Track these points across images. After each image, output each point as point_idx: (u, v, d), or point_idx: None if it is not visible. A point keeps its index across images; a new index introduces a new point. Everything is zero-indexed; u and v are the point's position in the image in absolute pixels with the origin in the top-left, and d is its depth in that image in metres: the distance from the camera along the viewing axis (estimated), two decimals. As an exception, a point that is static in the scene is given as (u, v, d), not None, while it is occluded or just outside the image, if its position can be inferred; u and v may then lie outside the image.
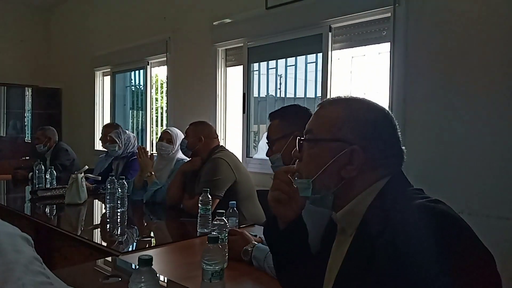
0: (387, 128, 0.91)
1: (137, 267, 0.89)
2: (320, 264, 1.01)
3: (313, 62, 3.12)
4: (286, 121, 1.57)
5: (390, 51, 2.46)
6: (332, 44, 2.79)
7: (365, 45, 2.76)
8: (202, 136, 2.51)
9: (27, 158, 4.99)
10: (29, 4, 5.73)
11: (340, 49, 2.81)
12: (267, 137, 1.64)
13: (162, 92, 4.59)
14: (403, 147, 0.94)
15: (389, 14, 2.45)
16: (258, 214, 2.35)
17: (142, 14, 4.37)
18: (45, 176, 3.21)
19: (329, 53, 2.78)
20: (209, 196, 1.91)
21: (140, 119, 4.67)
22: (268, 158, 1.65)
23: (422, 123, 2.31)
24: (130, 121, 4.93)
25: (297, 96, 3.28)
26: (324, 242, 1.06)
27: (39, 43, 5.94)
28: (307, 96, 3.21)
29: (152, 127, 4.50)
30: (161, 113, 4.45)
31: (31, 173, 3.66)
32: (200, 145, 2.50)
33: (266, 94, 3.39)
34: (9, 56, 5.64)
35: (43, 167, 3.28)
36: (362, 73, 2.98)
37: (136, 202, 2.76)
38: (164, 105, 4.26)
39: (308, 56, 3.15)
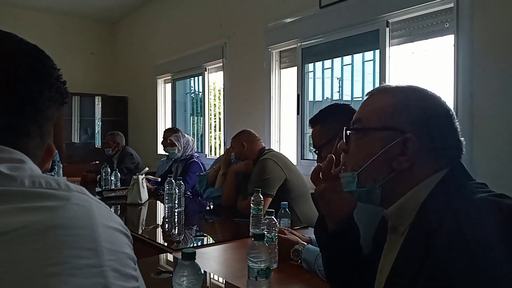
0: (443, 117, 0.82)
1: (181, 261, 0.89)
2: (372, 267, 0.94)
3: (371, 60, 3.00)
4: (327, 124, 1.49)
5: (454, 44, 2.29)
6: (390, 40, 2.67)
7: (426, 39, 2.60)
8: (243, 142, 2.58)
9: (97, 162, 5.33)
10: (97, 19, 6.16)
11: (398, 44, 2.68)
12: (313, 145, 1.58)
13: (219, 98, 4.69)
14: (462, 139, 0.85)
15: (451, 4, 2.29)
16: (312, 216, 2.29)
17: (199, 22, 4.50)
18: (110, 178, 3.40)
19: (387, 49, 2.66)
20: (261, 196, 1.90)
21: (200, 124, 4.80)
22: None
23: (490, 119, 2.12)
24: (191, 126, 5.08)
25: (354, 97, 3.17)
26: (375, 243, 1.00)
27: (107, 54, 6.36)
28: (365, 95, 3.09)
29: (211, 132, 4.60)
30: (219, 119, 4.53)
31: (99, 176, 3.90)
32: (244, 151, 2.57)
33: (321, 96, 3.33)
34: (81, 68, 6.09)
35: (109, 170, 3.49)
36: (424, 69, 2.81)
37: (195, 200, 2.82)
38: (222, 110, 4.34)
39: (366, 54, 3.05)
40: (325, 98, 3.33)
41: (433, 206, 0.76)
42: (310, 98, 3.36)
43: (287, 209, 1.79)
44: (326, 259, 1.08)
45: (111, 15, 6.05)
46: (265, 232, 1.43)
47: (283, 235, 1.50)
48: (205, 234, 2.17)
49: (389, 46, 2.67)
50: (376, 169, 0.83)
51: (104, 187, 3.40)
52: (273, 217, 1.45)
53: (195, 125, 5.05)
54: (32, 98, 0.62)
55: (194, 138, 4.13)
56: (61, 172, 4.33)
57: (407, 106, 0.82)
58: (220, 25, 4.14)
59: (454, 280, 0.66)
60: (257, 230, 1.86)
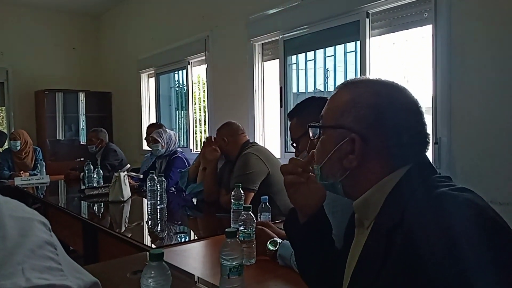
0: (400, 113, 0.80)
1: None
2: (343, 260, 0.94)
3: (353, 51, 3.00)
4: (303, 117, 1.50)
5: (433, 34, 2.29)
6: (370, 31, 2.66)
7: (406, 29, 2.60)
8: (224, 138, 2.56)
9: (82, 159, 5.26)
10: (79, 13, 6.04)
11: (379, 35, 2.67)
12: (291, 138, 1.59)
13: (204, 91, 4.65)
14: (428, 132, 0.84)
15: (430, -6, 2.29)
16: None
17: (181, 15, 4.45)
18: (93, 175, 3.36)
19: (367, 40, 2.65)
20: (241, 191, 1.89)
21: (185, 118, 4.76)
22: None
23: (469, 110, 2.13)
24: (177, 120, 5.04)
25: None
26: (346, 236, 1.00)
27: (89, 50, 6.25)
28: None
29: (196, 125, 4.57)
30: (205, 112, 4.50)
31: (82, 173, 3.86)
32: (226, 146, 2.55)
33: (305, 88, 3.32)
34: (64, 64, 5.99)
35: (92, 167, 3.44)
36: (405, 59, 2.81)
37: (179, 196, 2.81)
38: (206, 103, 4.31)
39: (347, 45, 3.04)
40: (308, 90, 3.32)
41: (395, 201, 0.76)
42: (294, 90, 3.35)
43: (267, 203, 1.79)
44: (297, 252, 1.08)
45: (93, 9, 5.94)
46: (242, 228, 1.43)
47: (258, 228, 1.50)
48: (186, 231, 2.16)
49: (370, 37, 2.66)
50: (332, 166, 0.84)
51: (87, 185, 3.37)
52: (250, 212, 1.44)
53: (181, 119, 5.01)
54: None
55: (177, 133, 4.10)
56: (44, 170, 4.28)
57: (356, 104, 0.82)
58: (202, 17, 4.09)
59: (415, 275, 0.66)
60: (237, 226, 1.86)
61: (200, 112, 4.61)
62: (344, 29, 2.82)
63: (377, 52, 2.73)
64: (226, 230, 1.05)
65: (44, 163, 4.38)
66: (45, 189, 3.80)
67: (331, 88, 3.19)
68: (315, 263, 1.01)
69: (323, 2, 2.85)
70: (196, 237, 1.95)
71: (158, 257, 0.87)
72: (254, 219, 1.46)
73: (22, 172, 4.32)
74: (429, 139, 0.84)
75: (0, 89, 5.68)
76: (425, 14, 2.39)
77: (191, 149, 4.44)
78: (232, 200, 1.90)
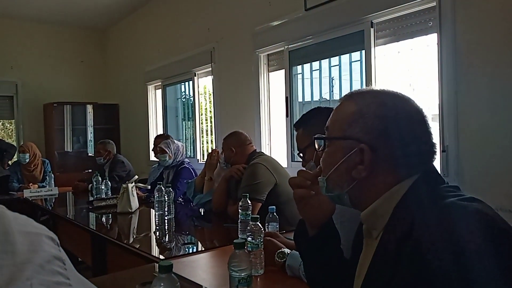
0: (406, 123, 0.81)
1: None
2: (352, 271, 0.94)
3: (358, 60, 3.01)
4: (309, 127, 1.52)
5: (438, 43, 2.30)
6: (375, 40, 2.67)
7: (410, 38, 2.61)
8: (232, 148, 2.57)
9: (90, 170, 5.30)
10: (86, 27, 6.14)
11: (384, 44, 2.69)
12: (298, 149, 1.60)
13: (210, 102, 4.68)
14: (435, 142, 0.85)
15: (434, 3, 2.30)
16: (302, 219, 2.29)
17: (187, 27, 4.50)
18: (101, 187, 3.39)
19: (372, 49, 2.67)
20: (249, 201, 1.90)
21: (191, 128, 4.79)
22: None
23: (475, 116, 2.13)
24: (183, 131, 5.07)
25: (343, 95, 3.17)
26: (354, 246, 1.00)
27: (97, 62, 6.34)
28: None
29: (203, 136, 4.59)
30: (212, 123, 4.53)
31: (90, 185, 3.88)
32: (233, 156, 2.56)
33: (311, 97, 3.33)
34: (71, 77, 6.07)
35: (100, 179, 3.47)
36: (410, 68, 2.82)
37: (186, 206, 2.82)
38: (213, 114, 4.34)
39: (352, 54, 3.05)
40: (314, 99, 3.33)
41: (403, 212, 0.76)
42: (300, 99, 3.36)
43: (275, 213, 1.79)
44: (307, 264, 1.08)
45: (100, 23, 6.03)
46: (250, 238, 1.43)
47: (266, 239, 1.50)
48: (194, 241, 2.17)
49: (374, 46, 2.67)
50: (340, 176, 0.84)
51: (95, 196, 3.39)
52: (258, 223, 1.44)
53: (188, 129, 5.04)
54: None
55: (185, 144, 4.12)
56: (53, 182, 4.32)
57: (364, 115, 0.83)
58: (208, 30, 4.14)
59: (425, 285, 0.66)
60: (245, 236, 1.86)
61: (207, 123, 4.64)
62: (349, 39, 2.83)
63: (382, 61, 2.74)
64: (234, 241, 1.06)
65: (52, 175, 4.42)
66: (53, 200, 3.83)
67: (336, 96, 3.20)
68: (324, 274, 1.02)
69: (327, 13, 2.87)
70: (204, 248, 1.95)
71: (167, 269, 0.88)
72: (262, 229, 1.46)
73: (31, 184, 4.36)
74: (436, 149, 0.84)
75: (9, 103, 5.76)
76: (430, 23, 2.40)
77: (198, 159, 4.46)
78: (239, 210, 1.90)
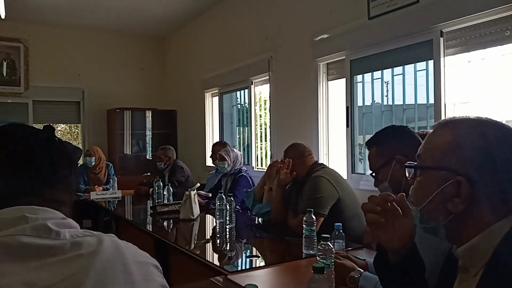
0: (509, 156, 0.77)
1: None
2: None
3: (423, 69, 2.90)
4: (384, 147, 1.48)
5: (516, 53, 2.16)
6: (444, 50, 2.56)
7: (483, 49, 2.47)
8: (292, 159, 2.55)
9: (148, 174, 5.52)
10: (147, 35, 6.41)
11: (454, 54, 2.57)
12: (370, 168, 1.56)
13: (265, 109, 4.71)
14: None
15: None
16: (366, 235, 2.23)
17: (245, 36, 4.56)
18: (163, 192, 3.51)
19: (441, 59, 2.56)
20: (313, 216, 1.88)
21: (246, 135, 4.85)
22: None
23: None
24: (237, 137, 5.15)
25: (406, 103, 3.06)
26: (442, 278, 0.96)
27: (156, 70, 6.60)
28: (418, 102, 2.96)
29: (257, 142, 4.63)
30: (265, 129, 4.56)
31: (151, 189, 4.04)
32: (293, 167, 2.53)
33: (371, 103, 3.24)
34: (132, 84, 6.37)
35: (161, 184, 3.60)
36: (482, 78, 2.67)
37: (244, 215, 2.86)
38: (268, 121, 4.36)
39: (417, 64, 2.94)
40: (375, 103, 3.24)
41: (508, 252, 0.72)
42: (360, 105, 3.28)
43: (341, 230, 1.76)
44: None
45: (160, 32, 6.27)
46: (321, 258, 1.41)
47: (338, 261, 1.47)
48: (256, 255, 2.18)
49: (444, 56, 2.56)
50: (435, 208, 0.81)
51: (156, 201, 3.51)
52: (328, 243, 1.43)
53: (242, 135, 5.10)
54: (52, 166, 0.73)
55: (241, 150, 4.17)
56: (116, 185, 4.54)
57: (461, 145, 0.79)
58: (266, 38, 4.17)
59: None
60: (311, 252, 1.85)
61: (261, 130, 4.67)
62: (415, 49, 2.74)
63: (451, 70, 2.62)
64: (314, 265, 1.05)
65: (116, 178, 4.65)
66: (116, 203, 4.03)
67: (397, 102, 3.10)
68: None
69: (392, 22, 2.79)
70: (268, 263, 1.96)
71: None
72: (333, 249, 1.44)
73: (96, 186, 4.61)
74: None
75: (76, 108, 6.14)
76: (507, 32, 2.26)
77: (253, 167, 4.50)
78: (304, 225, 1.89)
